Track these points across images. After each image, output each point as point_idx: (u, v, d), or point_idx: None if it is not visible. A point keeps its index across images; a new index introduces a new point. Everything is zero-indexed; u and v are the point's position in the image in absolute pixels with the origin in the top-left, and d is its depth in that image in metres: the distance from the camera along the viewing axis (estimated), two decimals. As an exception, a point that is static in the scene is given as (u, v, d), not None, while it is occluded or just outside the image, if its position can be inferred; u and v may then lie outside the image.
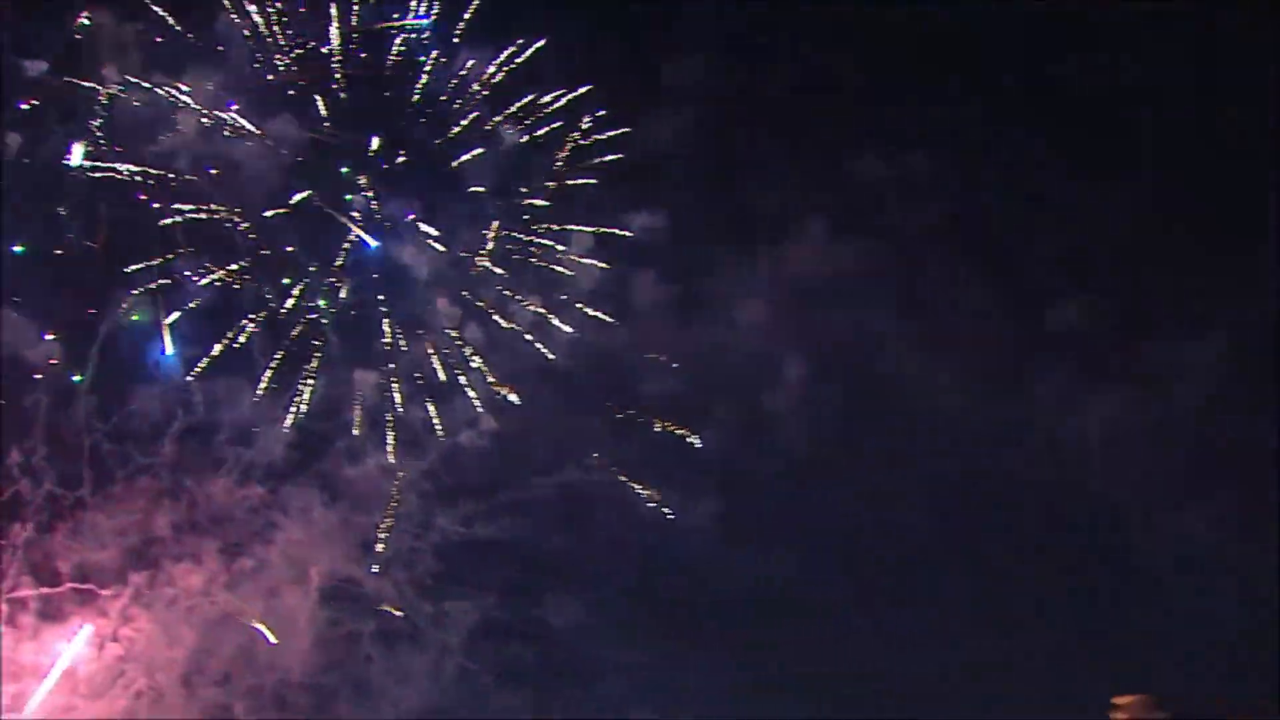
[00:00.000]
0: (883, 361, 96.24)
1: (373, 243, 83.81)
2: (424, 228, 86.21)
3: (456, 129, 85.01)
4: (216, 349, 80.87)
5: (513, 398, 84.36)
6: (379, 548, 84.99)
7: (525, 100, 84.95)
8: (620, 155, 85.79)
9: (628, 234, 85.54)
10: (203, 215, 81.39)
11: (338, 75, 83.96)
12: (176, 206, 79.84)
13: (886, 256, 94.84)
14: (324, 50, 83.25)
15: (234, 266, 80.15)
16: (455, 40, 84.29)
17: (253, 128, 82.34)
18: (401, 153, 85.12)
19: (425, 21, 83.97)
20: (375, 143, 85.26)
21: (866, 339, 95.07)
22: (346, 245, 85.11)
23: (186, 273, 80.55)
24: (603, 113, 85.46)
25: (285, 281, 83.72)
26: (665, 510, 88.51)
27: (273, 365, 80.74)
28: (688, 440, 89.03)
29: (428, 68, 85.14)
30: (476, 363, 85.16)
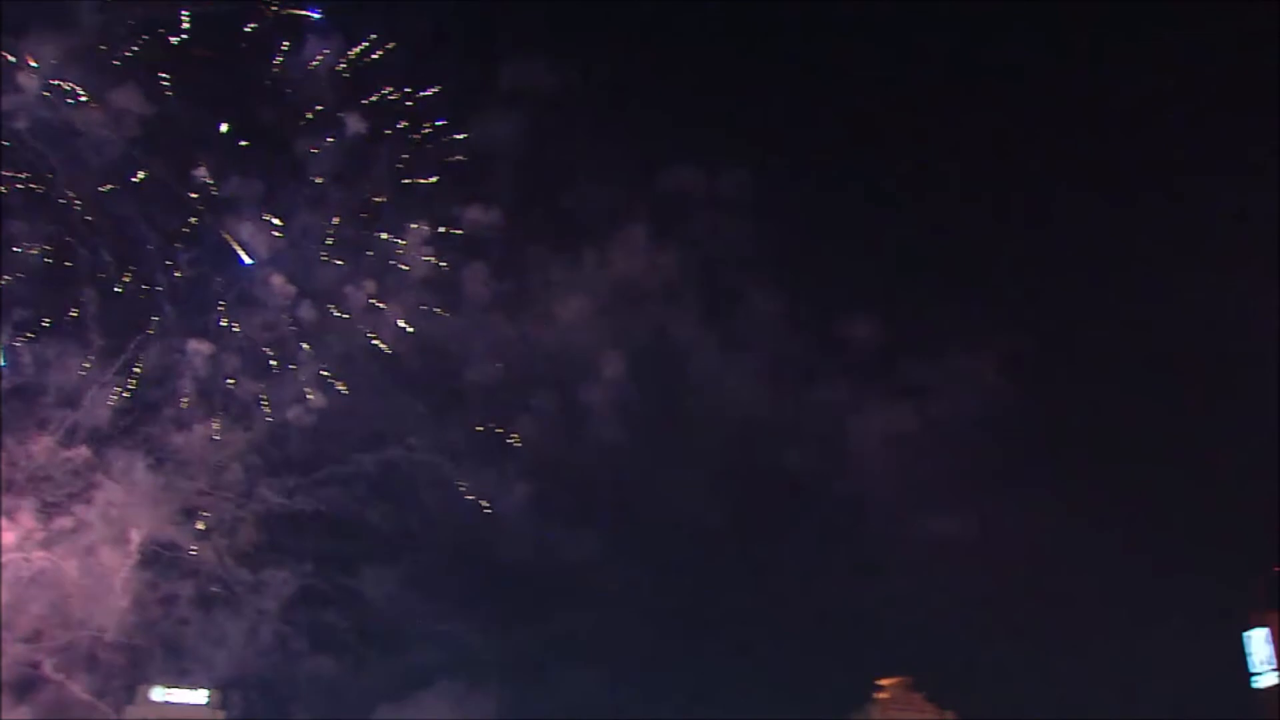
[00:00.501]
0: (685, 363, 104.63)
1: (213, 222, 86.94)
2: (265, 211, 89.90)
3: (303, 119, 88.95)
4: (47, 314, 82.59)
5: (338, 384, 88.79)
6: (201, 514, 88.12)
7: (373, 97, 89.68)
8: (458, 156, 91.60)
9: (459, 231, 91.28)
10: (36, 186, 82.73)
11: (187, 53, 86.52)
12: (9, 174, 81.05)
13: (694, 264, 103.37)
14: (174, 26, 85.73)
15: (69, 237, 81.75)
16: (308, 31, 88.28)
17: (93, 99, 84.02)
18: (247, 137, 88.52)
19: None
20: (224, 126, 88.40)
21: (672, 341, 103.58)
22: (189, 222, 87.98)
23: (21, 241, 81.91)
24: (443, 120, 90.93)
25: (121, 253, 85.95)
26: (482, 502, 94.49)
27: (105, 332, 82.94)
28: (506, 434, 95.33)
29: (279, 57, 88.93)
30: (307, 345, 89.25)
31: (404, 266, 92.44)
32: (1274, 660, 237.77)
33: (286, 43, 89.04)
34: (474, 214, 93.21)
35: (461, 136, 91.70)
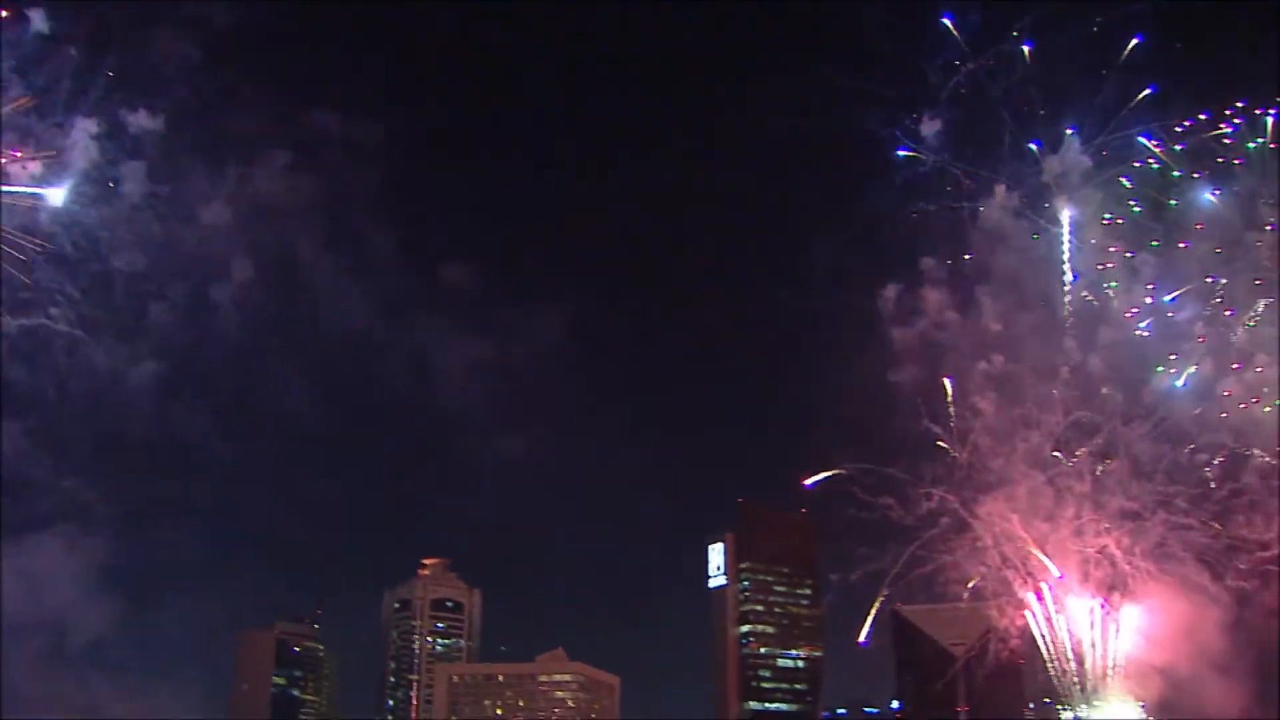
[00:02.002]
0: (306, 279, 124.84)
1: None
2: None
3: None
4: None
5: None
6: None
7: None
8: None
9: (128, 129, 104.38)
10: None
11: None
12: None
13: (328, 191, 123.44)
14: None
15: None
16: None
17: None
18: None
19: None
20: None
21: (302, 262, 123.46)
22: None
23: None
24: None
25: None
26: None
27: None
28: (142, 316, 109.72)
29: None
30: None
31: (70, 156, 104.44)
32: (725, 568, 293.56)
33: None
34: (140, 120, 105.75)
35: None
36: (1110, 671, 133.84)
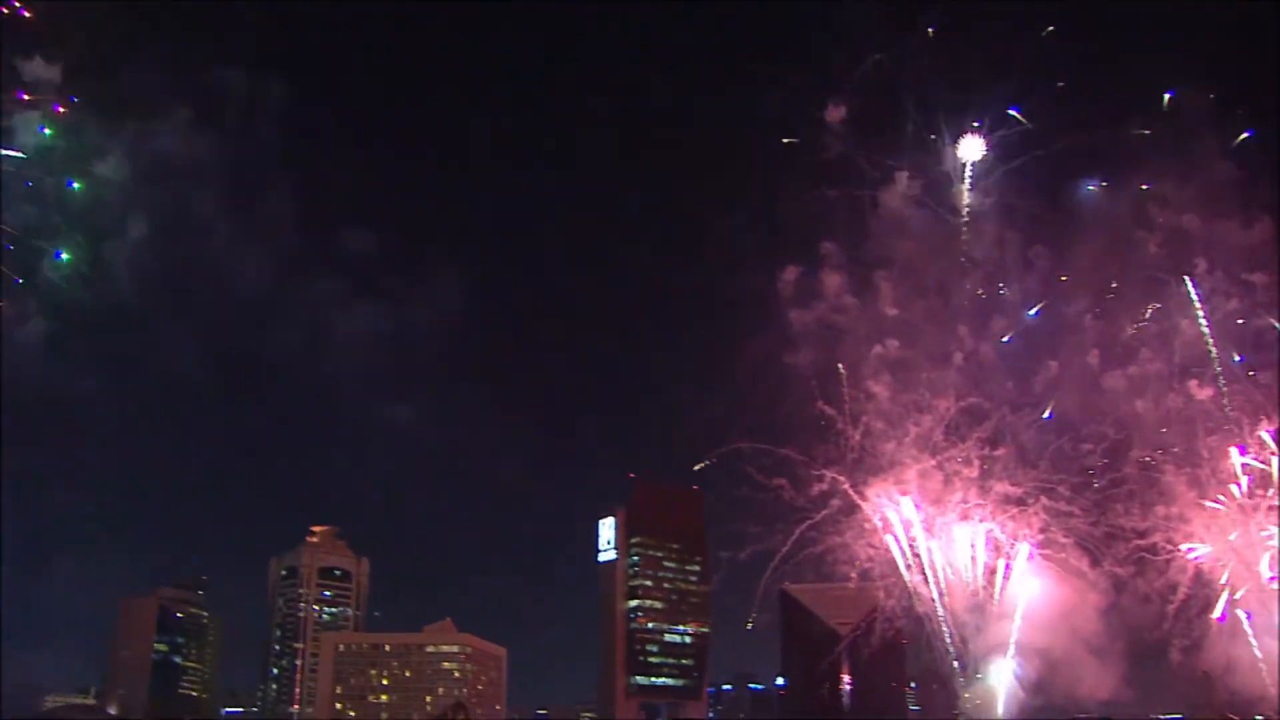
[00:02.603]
0: (208, 244, 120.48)
1: None
2: None
3: None
4: None
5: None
6: None
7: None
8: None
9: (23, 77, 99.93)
10: None
11: None
12: None
13: (228, 150, 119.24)
14: None
15: None
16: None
17: None
18: None
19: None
20: None
21: (198, 222, 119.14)
22: None
23: None
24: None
25: None
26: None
27: None
28: (30, 275, 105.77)
29: None
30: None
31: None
32: (615, 543, 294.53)
33: None
34: (36, 69, 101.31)
35: None
36: (991, 652, 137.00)
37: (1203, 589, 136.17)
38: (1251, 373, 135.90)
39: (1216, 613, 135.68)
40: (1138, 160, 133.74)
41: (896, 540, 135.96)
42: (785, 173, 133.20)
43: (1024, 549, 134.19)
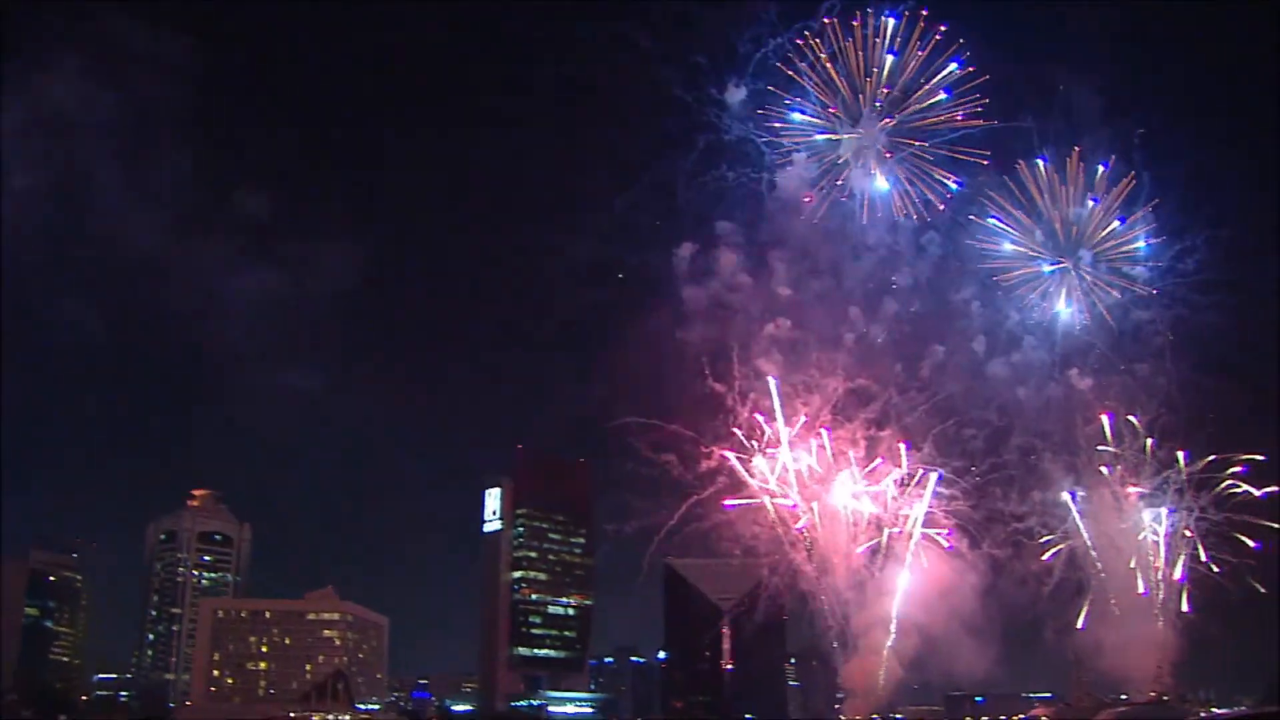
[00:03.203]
0: (99, 200, 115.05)
1: None
2: None
3: None
4: None
5: None
6: None
7: None
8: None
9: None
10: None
11: None
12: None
13: (123, 105, 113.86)
14: None
15: None
16: None
17: None
18: None
19: None
20: None
21: (89, 177, 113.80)
22: None
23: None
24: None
25: None
26: None
27: None
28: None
29: None
30: None
31: None
32: (501, 514, 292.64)
33: None
34: None
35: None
36: (871, 628, 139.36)
37: (1075, 573, 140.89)
38: (1126, 364, 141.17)
39: (1087, 596, 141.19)
40: (1029, 152, 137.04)
41: (780, 518, 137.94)
42: (685, 152, 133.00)
43: (907, 529, 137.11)
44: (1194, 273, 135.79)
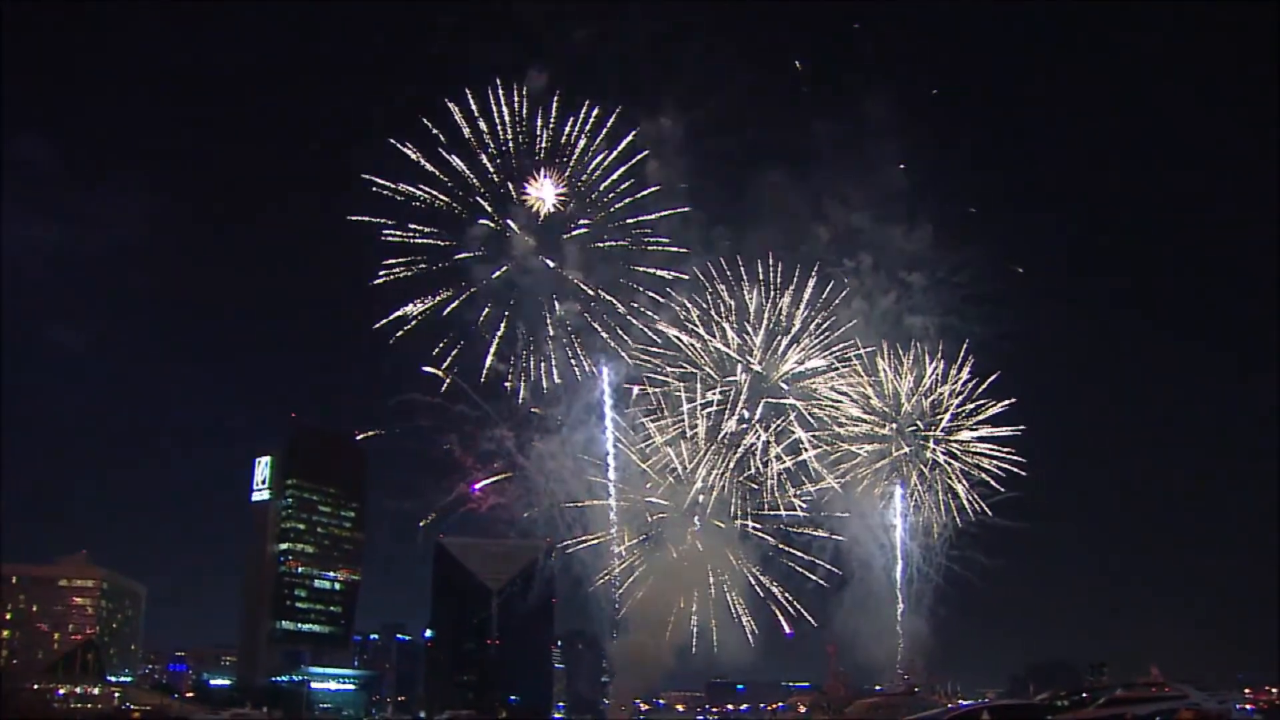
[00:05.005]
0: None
1: None
2: None
3: None
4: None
5: None
6: None
7: None
8: None
9: None
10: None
11: None
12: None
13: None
14: None
15: None
16: None
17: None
18: None
19: None
20: None
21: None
22: None
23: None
24: None
25: None
26: None
27: None
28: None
29: None
30: None
31: None
32: (270, 483, 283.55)
33: None
34: None
35: None
36: (641, 613, 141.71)
37: (838, 565, 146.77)
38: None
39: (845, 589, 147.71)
40: (821, 157, 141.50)
41: (558, 500, 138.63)
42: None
43: (677, 517, 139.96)
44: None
